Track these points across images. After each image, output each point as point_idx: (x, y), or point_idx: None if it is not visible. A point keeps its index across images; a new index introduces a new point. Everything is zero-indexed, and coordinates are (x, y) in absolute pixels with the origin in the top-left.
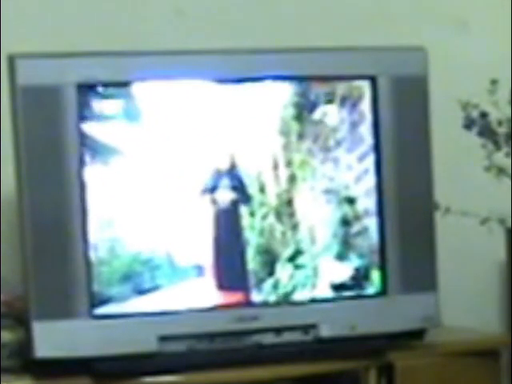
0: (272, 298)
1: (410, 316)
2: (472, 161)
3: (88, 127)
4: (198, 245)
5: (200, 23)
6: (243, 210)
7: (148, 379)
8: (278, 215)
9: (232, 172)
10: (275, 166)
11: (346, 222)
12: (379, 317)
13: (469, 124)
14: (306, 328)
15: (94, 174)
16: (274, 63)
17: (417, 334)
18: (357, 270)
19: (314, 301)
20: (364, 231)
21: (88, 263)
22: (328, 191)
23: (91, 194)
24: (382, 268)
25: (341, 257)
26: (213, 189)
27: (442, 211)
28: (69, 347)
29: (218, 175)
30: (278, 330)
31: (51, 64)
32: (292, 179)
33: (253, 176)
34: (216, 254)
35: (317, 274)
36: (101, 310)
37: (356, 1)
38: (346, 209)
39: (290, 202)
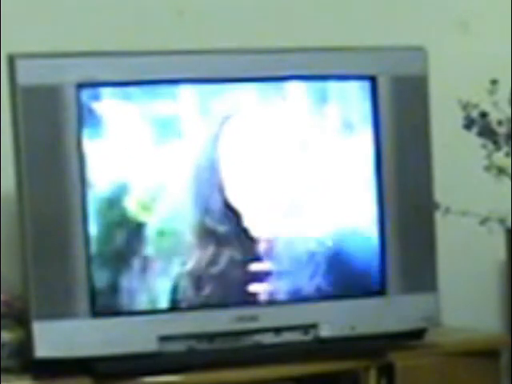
0: (272, 298)
1: (410, 316)
2: (472, 161)
3: (88, 127)
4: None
5: (201, 23)
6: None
7: (148, 379)
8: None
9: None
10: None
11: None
12: (379, 317)
13: (469, 124)
14: (305, 328)
15: (94, 174)
16: (275, 63)
17: (417, 334)
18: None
19: (313, 300)
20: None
21: (88, 263)
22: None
23: (92, 194)
24: (382, 268)
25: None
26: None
27: (442, 211)
28: (69, 347)
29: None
30: (277, 330)
31: (51, 64)
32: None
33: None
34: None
35: (318, 270)
36: (101, 310)
37: (356, 1)
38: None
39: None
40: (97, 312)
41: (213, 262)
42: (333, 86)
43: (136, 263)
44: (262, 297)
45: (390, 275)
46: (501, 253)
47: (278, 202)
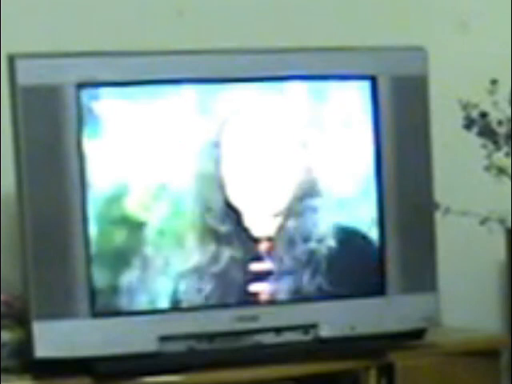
0: (272, 298)
1: (410, 316)
2: (472, 161)
3: (88, 127)
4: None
5: (201, 23)
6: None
7: (148, 379)
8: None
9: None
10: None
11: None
12: (379, 317)
13: (469, 124)
14: (305, 328)
15: (94, 174)
16: (275, 63)
17: (417, 334)
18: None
19: (314, 300)
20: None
21: (88, 263)
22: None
23: (92, 194)
24: (382, 268)
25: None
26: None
27: (442, 211)
28: (69, 347)
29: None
30: (277, 330)
31: (51, 64)
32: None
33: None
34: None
35: (318, 270)
36: (101, 310)
37: (356, 1)
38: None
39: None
40: (97, 312)
41: (213, 261)
42: (333, 86)
43: (136, 263)
44: (263, 296)
45: (390, 275)
46: (501, 253)
47: (278, 202)
